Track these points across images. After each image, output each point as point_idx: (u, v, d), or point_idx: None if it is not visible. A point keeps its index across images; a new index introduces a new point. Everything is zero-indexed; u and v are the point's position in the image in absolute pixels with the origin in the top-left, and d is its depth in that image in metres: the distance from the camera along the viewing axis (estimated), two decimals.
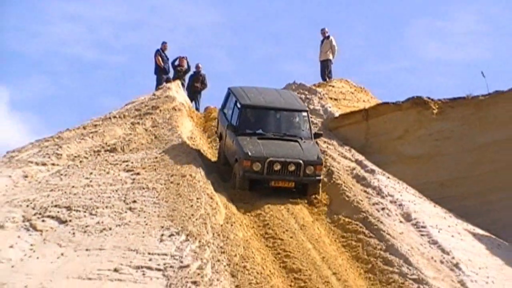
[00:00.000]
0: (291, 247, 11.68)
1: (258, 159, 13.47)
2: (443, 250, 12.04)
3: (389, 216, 13.06)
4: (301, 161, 13.55)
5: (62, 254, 10.62)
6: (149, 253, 10.62)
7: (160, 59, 20.81)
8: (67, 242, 10.98)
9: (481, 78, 17.53)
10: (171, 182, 13.30)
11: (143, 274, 10.09)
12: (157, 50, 20.98)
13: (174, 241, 11.03)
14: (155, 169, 14.00)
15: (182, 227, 11.47)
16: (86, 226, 11.49)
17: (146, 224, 11.57)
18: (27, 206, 12.17)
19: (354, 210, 13.17)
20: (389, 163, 16.28)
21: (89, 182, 13.38)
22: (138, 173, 13.79)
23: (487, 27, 55.75)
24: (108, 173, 13.89)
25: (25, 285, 9.67)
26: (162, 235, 11.21)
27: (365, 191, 14.14)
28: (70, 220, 11.67)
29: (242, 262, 10.78)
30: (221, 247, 11.14)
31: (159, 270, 10.22)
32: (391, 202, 13.73)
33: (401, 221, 13.00)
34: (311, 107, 17.79)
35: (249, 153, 13.52)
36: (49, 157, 14.77)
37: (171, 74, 21.02)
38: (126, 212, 12.04)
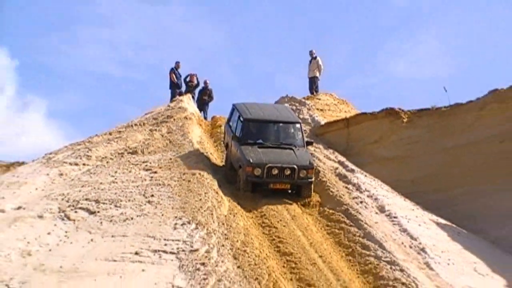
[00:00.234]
0: (284, 234, 11.66)
1: (259, 165, 13.35)
2: (411, 237, 12.02)
3: (366, 208, 13.04)
4: (295, 166, 13.42)
5: (91, 240, 10.62)
6: (164, 239, 10.61)
7: (174, 76, 20.85)
8: (95, 230, 10.98)
9: (443, 92, 17.57)
10: (183, 179, 13.29)
11: (160, 257, 10.07)
12: (172, 68, 21.03)
13: (186, 229, 11.01)
14: (169, 168, 14.00)
15: (192, 217, 11.46)
16: (112, 216, 11.49)
17: (162, 215, 11.56)
18: (62, 199, 12.19)
19: (337, 203, 13.17)
20: (366, 163, 16.28)
21: (114, 179, 13.41)
22: (155, 172, 13.80)
23: (447, 48, 56.19)
24: (130, 171, 13.90)
25: (60, 266, 9.66)
26: (176, 224, 11.20)
27: (346, 187, 14.13)
28: (98, 211, 11.69)
29: (243, 247, 10.75)
30: (225, 234, 11.10)
31: (173, 253, 10.19)
32: (368, 196, 13.72)
33: (376, 213, 12.98)
34: (301, 116, 17.81)
35: (251, 160, 13.41)
36: (80, 158, 14.79)
37: (183, 89, 21.06)
38: (145, 204, 12.03)
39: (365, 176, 15.14)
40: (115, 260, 9.91)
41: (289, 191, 13.59)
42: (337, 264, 10.76)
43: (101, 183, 13.10)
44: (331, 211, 12.87)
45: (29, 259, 9.85)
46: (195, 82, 21.14)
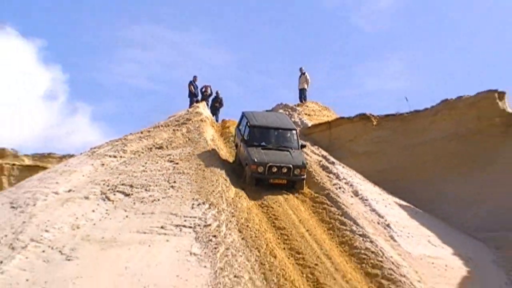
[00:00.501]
0: (278, 213, 11.69)
1: (261, 164, 13.08)
2: (379, 215, 12.07)
3: (344, 193, 13.07)
4: (291, 165, 13.13)
5: (126, 216, 10.68)
6: (184, 216, 10.67)
7: (192, 87, 20.73)
8: (130, 209, 11.03)
9: (405, 101, 17.60)
10: (199, 169, 13.30)
11: (180, 230, 10.15)
12: (190, 81, 20.91)
13: (201, 208, 11.07)
14: (188, 160, 13.98)
15: (206, 199, 11.51)
16: (142, 198, 11.53)
17: (182, 197, 11.60)
18: (104, 184, 12.23)
19: (321, 188, 13.18)
20: (344, 157, 16.25)
21: (144, 169, 13.40)
22: (177, 163, 13.77)
23: (408, 66, 56.70)
24: (157, 163, 13.88)
25: (102, 236, 9.75)
26: (193, 204, 11.24)
27: (328, 176, 14.13)
28: (132, 194, 11.72)
29: (246, 223, 10.80)
30: (232, 212, 11.14)
31: (190, 227, 10.27)
32: (345, 183, 13.73)
33: (352, 196, 13.00)
34: (293, 119, 17.70)
35: (255, 160, 13.16)
36: (118, 152, 14.76)
37: (199, 97, 21.01)
38: (169, 189, 12.05)
39: (343, 167, 15.14)
40: (145, 233, 9.99)
41: (286, 185, 13.33)
42: (320, 236, 10.82)
43: (134, 171, 13.11)
44: (315, 194, 12.87)
45: (77, 231, 9.94)
46: (209, 92, 21.06)
